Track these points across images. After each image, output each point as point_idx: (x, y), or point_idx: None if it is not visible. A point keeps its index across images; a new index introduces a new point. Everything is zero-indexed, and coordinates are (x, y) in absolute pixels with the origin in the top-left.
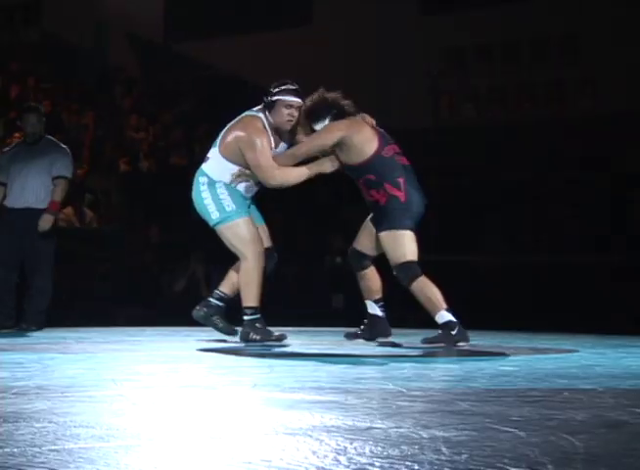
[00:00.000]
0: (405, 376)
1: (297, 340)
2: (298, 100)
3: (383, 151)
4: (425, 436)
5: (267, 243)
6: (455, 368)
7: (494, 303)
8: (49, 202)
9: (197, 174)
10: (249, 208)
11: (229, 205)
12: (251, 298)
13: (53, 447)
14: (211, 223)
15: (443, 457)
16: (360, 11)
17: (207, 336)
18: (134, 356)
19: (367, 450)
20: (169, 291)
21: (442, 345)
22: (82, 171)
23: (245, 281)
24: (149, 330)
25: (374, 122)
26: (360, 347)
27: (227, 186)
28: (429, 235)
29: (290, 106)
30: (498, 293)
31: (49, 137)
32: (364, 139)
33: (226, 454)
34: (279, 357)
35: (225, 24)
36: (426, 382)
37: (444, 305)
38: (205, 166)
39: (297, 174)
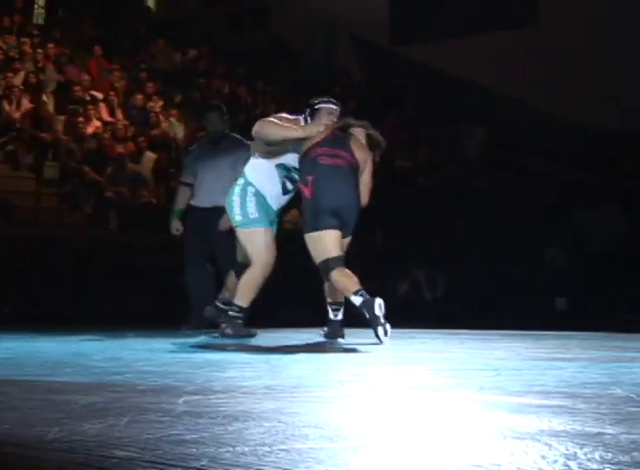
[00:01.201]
0: (634, 381)
1: (522, 343)
2: (338, 108)
3: (310, 152)
4: None
5: None
6: None
7: None
8: None
9: None
10: (274, 218)
11: (253, 212)
12: (245, 299)
13: (282, 447)
14: (233, 224)
15: None
16: (588, 11)
17: (431, 338)
18: (359, 357)
19: (597, 456)
20: (393, 294)
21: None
22: None
23: (246, 283)
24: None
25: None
26: (587, 351)
27: (257, 193)
28: None
29: (331, 113)
30: None
31: (233, 135)
32: (309, 139)
33: (454, 457)
34: (504, 360)
35: (450, 26)
36: None
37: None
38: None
39: (282, 131)
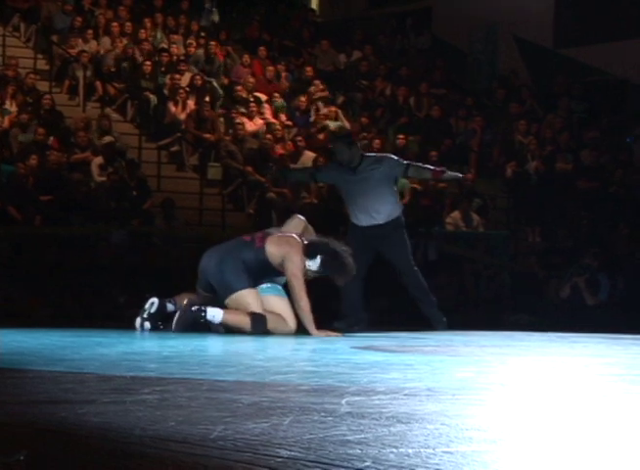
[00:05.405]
0: None
1: None
2: None
3: None
4: None
5: None
6: None
7: None
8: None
9: None
10: None
11: None
12: None
13: (446, 450)
14: None
15: None
16: None
17: (593, 342)
18: (521, 361)
19: None
20: (555, 297)
21: None
22: (471, 176)
23: None
24: (535, 335)
25: None
26: None
27: None
28: None
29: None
30: None
31: (368, 156)
32: None
33: (620, 466)
34: None
35: (615, 29)
36: None
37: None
38: None
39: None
